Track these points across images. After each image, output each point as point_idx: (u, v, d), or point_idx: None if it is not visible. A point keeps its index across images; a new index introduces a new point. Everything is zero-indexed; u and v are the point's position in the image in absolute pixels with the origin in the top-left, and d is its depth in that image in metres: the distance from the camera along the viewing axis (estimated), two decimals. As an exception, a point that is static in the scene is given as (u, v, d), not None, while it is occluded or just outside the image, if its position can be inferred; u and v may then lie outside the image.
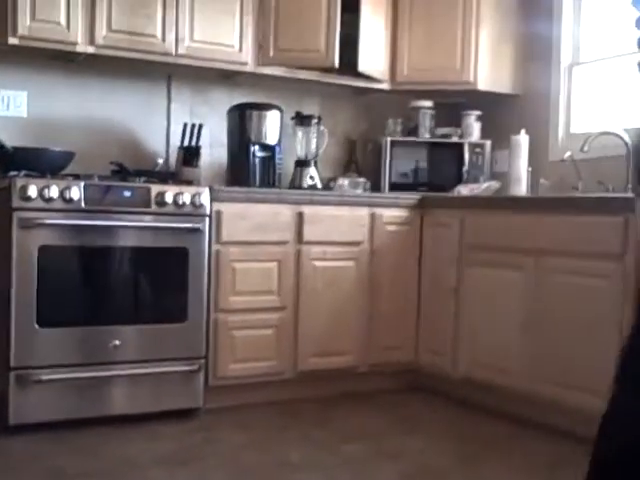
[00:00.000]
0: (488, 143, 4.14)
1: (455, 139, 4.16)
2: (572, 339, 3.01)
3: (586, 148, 3.52)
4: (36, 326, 2.91)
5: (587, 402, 2.94)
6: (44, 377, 2.91)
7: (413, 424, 3.24)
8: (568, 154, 3.73)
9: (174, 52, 3.54)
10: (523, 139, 3.85)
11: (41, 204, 2.91)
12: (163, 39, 3.49)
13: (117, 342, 3.04)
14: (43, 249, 2.92)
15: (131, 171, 3.43)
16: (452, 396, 3.63)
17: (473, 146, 4.13)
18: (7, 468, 2.58)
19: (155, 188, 3.16)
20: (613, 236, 2.87)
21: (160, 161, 3.76)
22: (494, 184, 3.96)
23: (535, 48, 4.16)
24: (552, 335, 3.10)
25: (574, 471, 2.65)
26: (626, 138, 3.54)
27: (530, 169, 3.87)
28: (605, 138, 3.56)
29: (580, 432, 3.01)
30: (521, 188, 3.82)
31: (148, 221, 3.13)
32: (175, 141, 3.79)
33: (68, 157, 3.28)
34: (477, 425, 3.24)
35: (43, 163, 3.10)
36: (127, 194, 3.09)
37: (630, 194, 3.06)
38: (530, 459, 2.80)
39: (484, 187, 3.93)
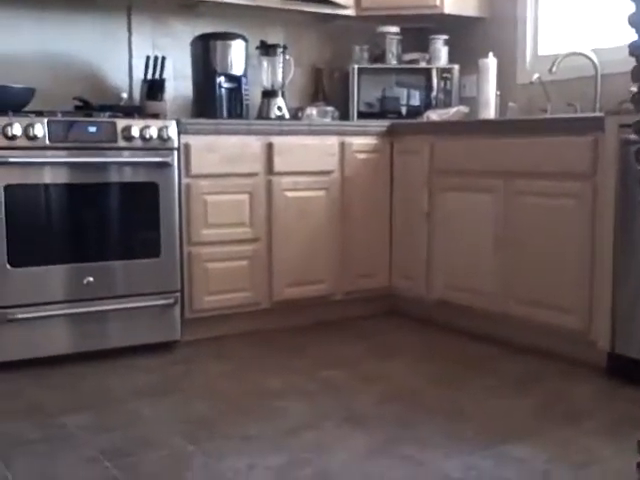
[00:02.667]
0: (456, 68, 4.11)
1: (423, 64, 4.13)
2: (542, 259, 3.06)
3: (554, 70, 3.51)
4: (8, 266, 2.88)
5: (556, 319, 3.01)
6: (19, 316, 2.90)
7: (389, 348, 3.29)
8: (536, 76, 3.72)
9: (133, -19, 3.44)
10: (491, 63, 3.83)
11: (4, 142, 2.84)
12: (121, -33, 3.38)
13: (90, 279, 3.03)
14: (9, 188, 2.86)
15: (95, 106, 3.36)
16: (426, 320, 3.69)
17: (441, 71, 4.10)
18: (-13, 407, 2.59)
19: (121, 123, 3.10)
20: (583, 156, 2.88)
21: (124, 95, 3.69)
22: (463, 109, 3.95)
23: (501, -31, 4.10)
24: (523, 255, 3.14)
25: (543, 385, 2.74)
26: (594, 58, 3.53)
27: (499, 93, 3.86)
28: (573, 59, 3.55)
29: (548, 348, 3.10)
30: (490, 112, 3.81)
31: (115, 156, 3.08)
32: (138, 74, 3.70)
33: (29, 93, 3.18)
34: (451, 346, 3.30)
35: (4, 100, 3.01)
36: (92, 129, 3.03)
37: (599, 113, 3.06)
38: (502, 377, 2.87)
39: (453, 112, 3.91)
